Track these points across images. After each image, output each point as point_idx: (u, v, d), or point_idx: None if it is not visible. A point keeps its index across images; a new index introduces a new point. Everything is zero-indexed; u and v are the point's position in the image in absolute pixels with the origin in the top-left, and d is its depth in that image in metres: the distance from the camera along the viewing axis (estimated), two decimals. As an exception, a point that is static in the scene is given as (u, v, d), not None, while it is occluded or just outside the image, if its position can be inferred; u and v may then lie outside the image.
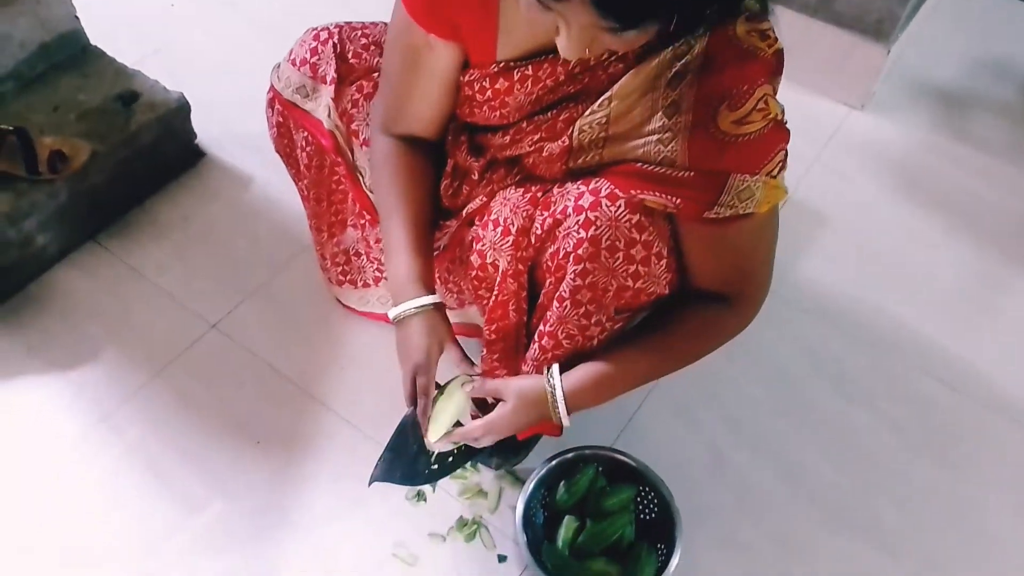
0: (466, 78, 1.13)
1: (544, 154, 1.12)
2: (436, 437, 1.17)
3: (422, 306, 1.15)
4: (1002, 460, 1.56)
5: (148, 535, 1.36)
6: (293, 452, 1.46)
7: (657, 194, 1.00)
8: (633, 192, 1.02)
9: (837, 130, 2.16)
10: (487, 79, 1.10)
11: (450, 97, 1.17)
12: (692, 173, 0.98)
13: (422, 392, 1.16)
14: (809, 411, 1.59)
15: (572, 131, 1.07)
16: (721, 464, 1.51)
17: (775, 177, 0.99)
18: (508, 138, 1.15)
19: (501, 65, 1.08)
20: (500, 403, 1.17)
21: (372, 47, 1.30)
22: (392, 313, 1.17)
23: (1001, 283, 1.85)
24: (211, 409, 1.51)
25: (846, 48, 2.11)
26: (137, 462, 1.43)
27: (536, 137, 1.12)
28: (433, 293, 1.17)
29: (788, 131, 0.99)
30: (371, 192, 1.31)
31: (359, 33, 1.31)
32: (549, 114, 1.09)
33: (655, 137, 1.00)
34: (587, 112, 1.04)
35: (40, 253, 1.64)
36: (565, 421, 1.14)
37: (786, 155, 1.00)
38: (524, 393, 1.15)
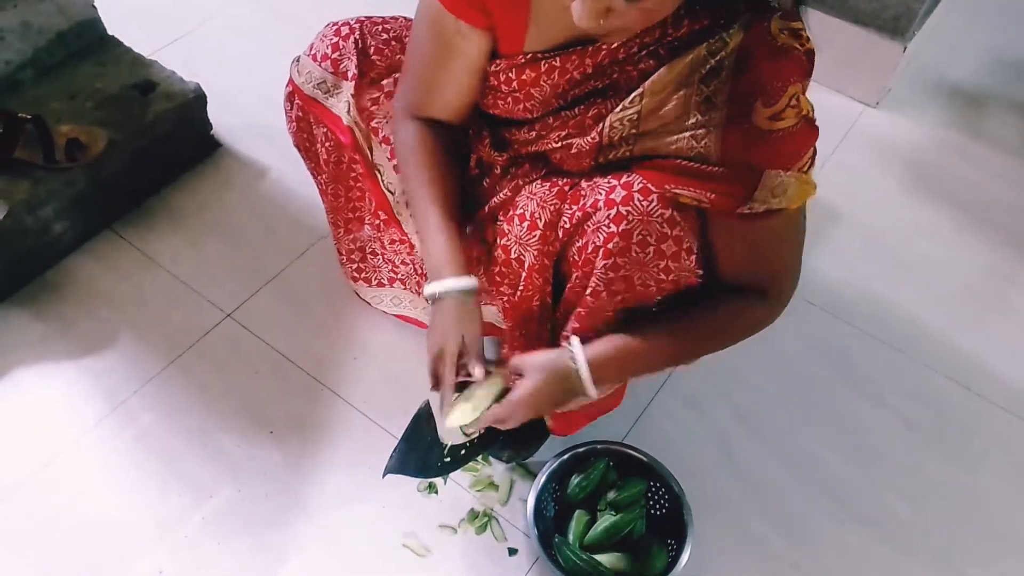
0: (492, 68, 1.13)
1: (573, 150, 1.12)
2: (461, 422, 1.14)
3: (456, 290, 1.14)
4: (1012, 456, 1.56)
5: (161, 520, 1.37)
6: (306, 441, 1.48)
7: (691, 189, 1.00)
8: (667, 187, 1.01)
9: (852, 127, 2.15)
10: (513, 70, 1.10)
11: (477, 86, 1.17)
12: (725, 168, 0.98)
13: (440, 379, 1.15)
14: (819, 405, 1.60)
15: (603, 127, 1.06)
16: (732, 457, 1.51)
17: (806, 172, 1.00)
18: (534, 133, 1.15)
19: (529, 56, 1.08)
20: (521, 380, 1.13)
21: (394, 42, 1.30)
22: (426, 292, 1.16)
23: (1013, 280, 1.85)
24: (225, 397, 1.52)
25: (862, 45, 2.11)
26: (151, 448, 1.45)
27: (563, 133, 1.12)
28: (468, 275, 1.15)
29: (818, 129, 0.99)
30: (389, 191, 1.31)
31: (380, 28, 1.31)
32: (576, 110, 1.09)
33: (688, 133, 1.00)
34: (618, 108, 1.04)
35: (57, 241, 1.65)
36: (591, 391, 1.10)
37: (815, 153, 1.01)
38: (545, 366, 1.12)
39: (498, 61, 1.12)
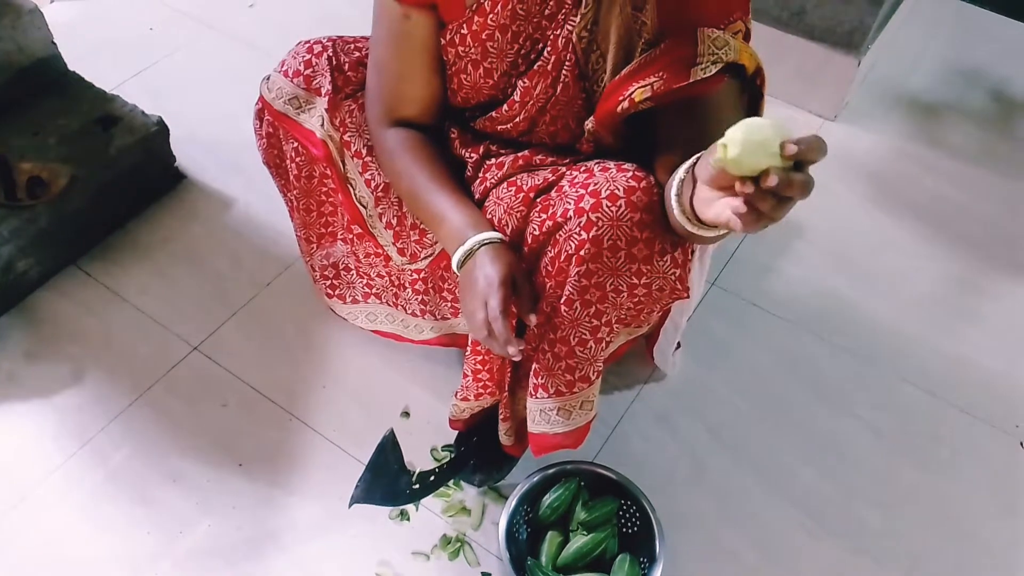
0: (446, 39, 1.17)
1: (559, 92, 1.16)
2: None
3: (487, 240, 1.12)
4: (981, 462, 1.57)
5: (133, 558, 1.36)
6: (276, 472, 1.47)
7: (643, 79, 1.05)
8: (630, 88, 1.06)
9: (812, 140, 2.17)
10: (463, 26, 1.15)
11: (439, 71, 1.22)
12: (664, 44, 1.05)
13: (503, 311, 1.06)
14: (789, 418, 1.61)
15: (571, 44, 1.11)
16: (703, 473, 1.52)
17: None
18: (517, 105, 1.19)
19: (473, 8, 1.13)
20: None
21: (366, 61, 1.32)
22: (455, 259, 1.13)
23: (975, 287, 1.87)
24: (194, 431, 1.51)
25: (818, 60, 2.14)
26: (121, 485, 1.44)
27: (541, 87, 1.16)
28: (494, 231, 1.14)
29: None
30: (361, 204, 1.32)
31: (352, 47, 1.33)
32: (541, 57, 1.14)
33: (630, 9, 1.07)
34: (575, 19, 1.09)
35: (21, 278, 1.64)
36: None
37: (747, 30, 1.07)
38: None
39: (448, 29, 1.17)
